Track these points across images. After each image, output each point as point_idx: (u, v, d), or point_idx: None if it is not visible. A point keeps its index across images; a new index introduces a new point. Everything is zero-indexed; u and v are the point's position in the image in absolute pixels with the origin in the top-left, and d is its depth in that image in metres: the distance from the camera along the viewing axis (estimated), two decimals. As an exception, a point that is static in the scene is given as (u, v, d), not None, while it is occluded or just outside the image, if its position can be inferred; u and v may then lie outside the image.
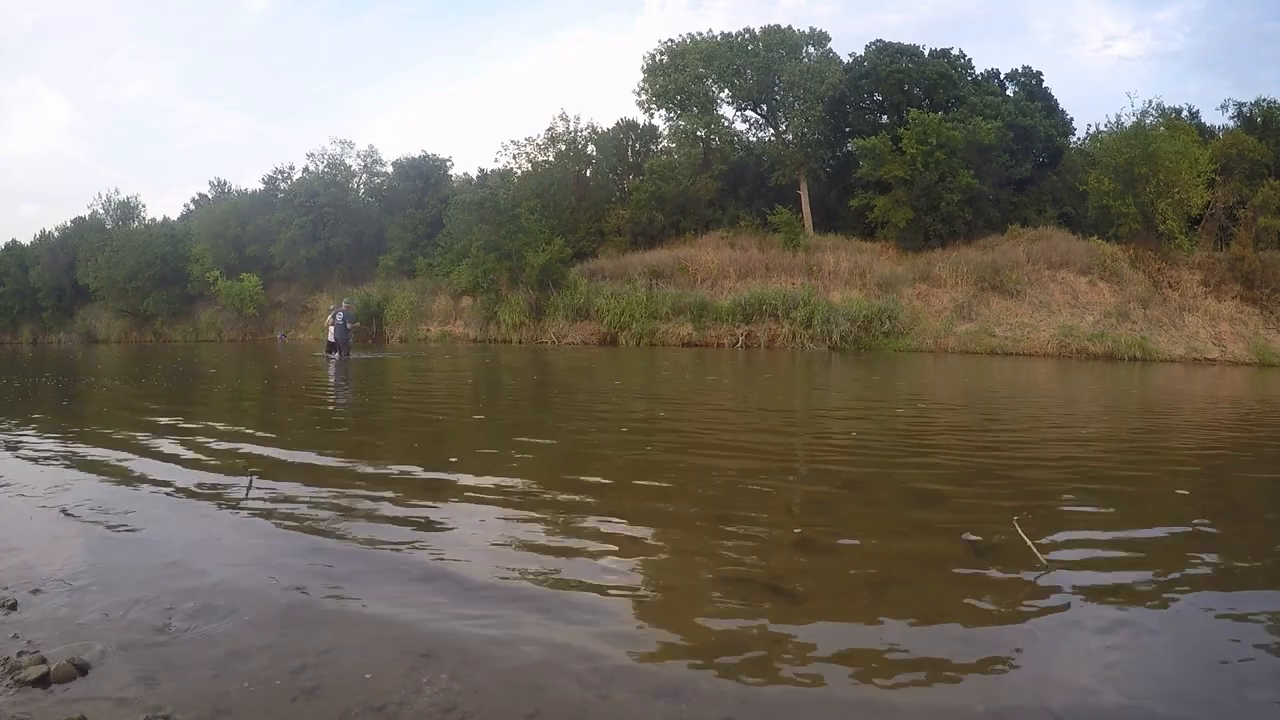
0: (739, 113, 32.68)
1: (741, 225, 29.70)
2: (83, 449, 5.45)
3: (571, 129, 33.31)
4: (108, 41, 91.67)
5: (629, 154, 33.17)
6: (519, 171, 33.91)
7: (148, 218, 43.99)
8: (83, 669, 2.07)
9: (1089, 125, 39.06)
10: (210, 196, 44.39)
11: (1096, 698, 2.03)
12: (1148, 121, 24.80)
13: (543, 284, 26.97)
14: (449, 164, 36.88)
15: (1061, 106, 31.68)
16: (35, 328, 44.10)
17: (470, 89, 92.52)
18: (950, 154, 25.48)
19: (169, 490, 4.17)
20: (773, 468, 5.25)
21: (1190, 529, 3.69)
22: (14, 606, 2.48)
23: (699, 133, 31.08)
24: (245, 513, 3.72)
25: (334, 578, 2.84)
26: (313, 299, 34.57)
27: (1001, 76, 31.82)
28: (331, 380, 12.34)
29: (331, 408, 9.11)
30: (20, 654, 2.13)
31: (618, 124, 33.42)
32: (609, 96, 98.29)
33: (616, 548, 3.26)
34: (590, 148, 33.35)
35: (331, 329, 17.64)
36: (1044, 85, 31.84)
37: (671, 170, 30.68)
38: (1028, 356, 20.94)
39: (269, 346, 27.52)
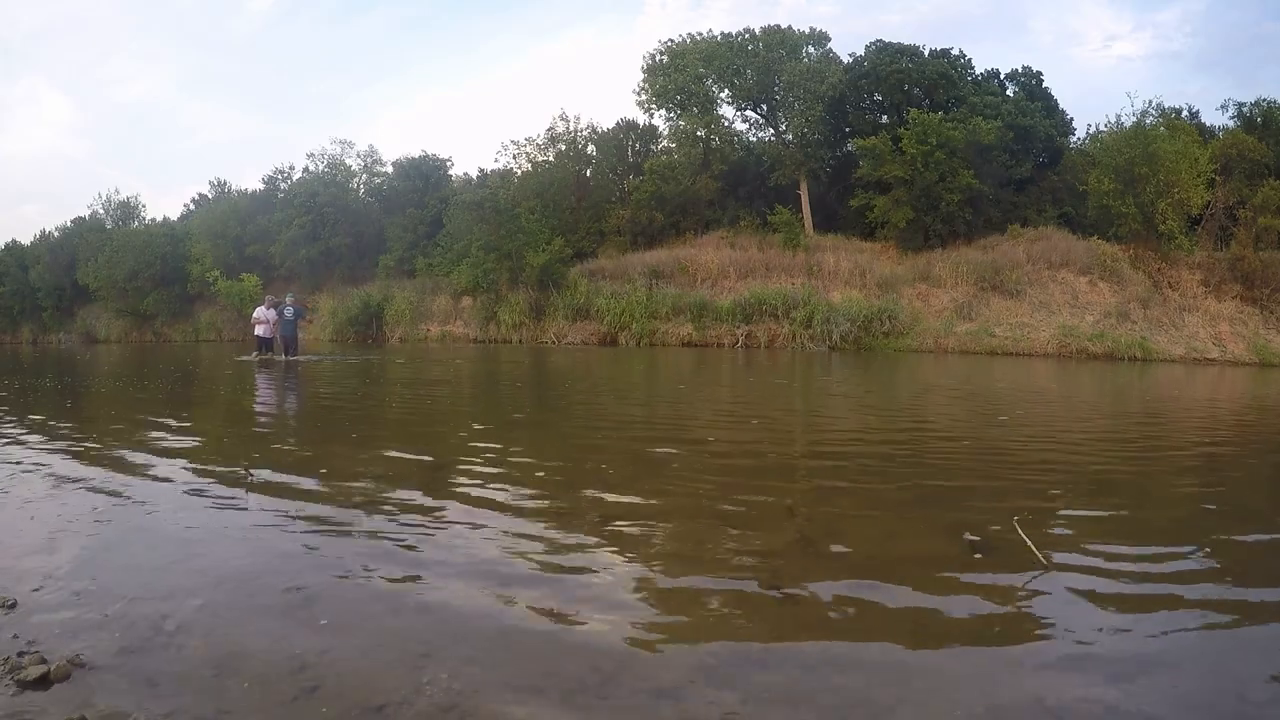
0: (739, 113, 32.72)
1: (741, 225, 29.69)
2: (83, 449, 5.44)
3: (571, 129, 33.34)
4: (110, 42, 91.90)
5: (629, 154, 33.13)
6: (519, 171, 33.93)
7: (148, 218, 44.05)
8: (83, 668, 2.07)
9: (1089, 125, 38.98)
10: (210, 196, 44.37)
11: (1097, 699, 2.03)
12: (1148, 121, 24.80)
13: (543, 284, 26.96)
14: (449, 164, 36.91)
15: (1061, 106, 31.70)
16: (35, 328, 44.06)
17: (471, 89, 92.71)
18: (950, 154, 25.48)
19: (169, 490, 4.17)
20: (772, 467, 5.25)
21: (1193, 529, 3.68)
22: (14, 606, 2.48)
23: (699, 133, 31.06)
24: (245, 512, 3.72)
25: (334, 577, 2.84)
26: (313, 299, 34.55)
27: (1001, 76, 31.81)
28: (262, 383, 11.21)
29: (330, 408, 9.10)
30: (20, 654, 2.12)
31: (618, 124, 33.45)
32: (609, 96, 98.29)
33: (617, 548, 3.26)
34: (590, 148, 33.34)
35: (274, 324, 15.17)
36: (1044, 85, 31.82)
37: (671, 170, 30.66)
38: (1028, 356, 20.93)
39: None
